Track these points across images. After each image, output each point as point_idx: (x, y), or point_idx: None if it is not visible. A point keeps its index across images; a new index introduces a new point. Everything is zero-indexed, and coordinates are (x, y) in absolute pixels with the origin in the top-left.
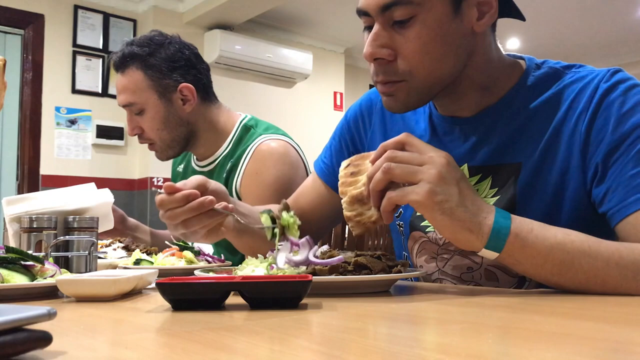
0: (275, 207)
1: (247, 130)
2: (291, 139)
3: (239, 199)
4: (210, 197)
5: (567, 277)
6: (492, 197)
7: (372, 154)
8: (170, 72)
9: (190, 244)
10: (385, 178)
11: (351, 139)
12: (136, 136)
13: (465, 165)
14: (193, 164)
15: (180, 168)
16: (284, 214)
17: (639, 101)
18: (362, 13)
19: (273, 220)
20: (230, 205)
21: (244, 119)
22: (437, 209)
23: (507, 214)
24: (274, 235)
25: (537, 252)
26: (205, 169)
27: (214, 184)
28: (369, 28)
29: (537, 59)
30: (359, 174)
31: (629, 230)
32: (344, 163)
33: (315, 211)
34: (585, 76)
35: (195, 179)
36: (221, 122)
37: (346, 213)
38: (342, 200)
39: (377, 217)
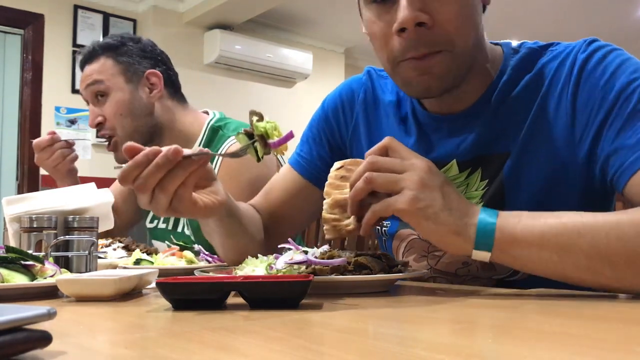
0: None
1: (216, 132)
2: None
3: None
4: (175, 146)
5: (570, 263)
6: (482, 189)
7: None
8: (140, 59)
9: (190, 244)
10: (366, 188)
11: (330, 132)
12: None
13: (454, 161)
14: None
15: None
16: (259, 124)
17: (620, 64)
18: None
19: (250, 135)
20: (205, 149)
21: (211, 120)
22: (421, 215)
23: (494, 212)
24: (257, 151)
25: (529, 243)
26: None
27: (188, 150)
28: (381, 1)
29: (510, 42)
30: (349, 179)
31: (635, 191)
32: (337, 164)
33: (288, 207)
34: (562, 52)
35: (165, 147)
36: (187, 123)
37: (325, 215)
38: (325, 201)
39: (353, 227)
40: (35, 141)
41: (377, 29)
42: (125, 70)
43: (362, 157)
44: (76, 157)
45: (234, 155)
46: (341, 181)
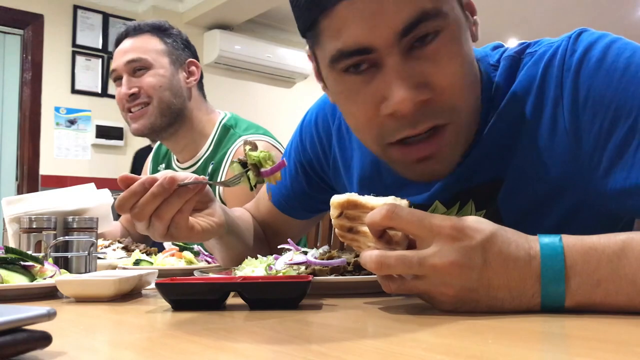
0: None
1: (227, 131)
2: (273, 137)
3: (224, 204)
4: (170, 175)
5: None
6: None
7: (367, 204)
8: (184, 48)
9: (190, 244)
10: (384, 288)
11: (309, 164)
12: (129, 115)
13: (437, 202)
14: (174, 165)
15: (161, 168)
16: (252, 153)
17: (627, 63)
18: (352, 53)
19: (244, 164)
20: (200, 176)
21: (223, 119)
22: (470, 311)
23: (559, 271)
24: (250, 179)
25: (618, 306)
26: (187, 171)
27: (182, 174)
28: (358, 71)
29: (491, 52)
30: (359, 233)
31: None
32: (334, 209)
33: (276, 222)
34: (544, 53)
35: (161, 173)
36: (203, 118)
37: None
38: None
39: None
40: None
41: (355, 108)
42: (170, 52)
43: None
44: None
45: (228, 184)
46: (350, 234)
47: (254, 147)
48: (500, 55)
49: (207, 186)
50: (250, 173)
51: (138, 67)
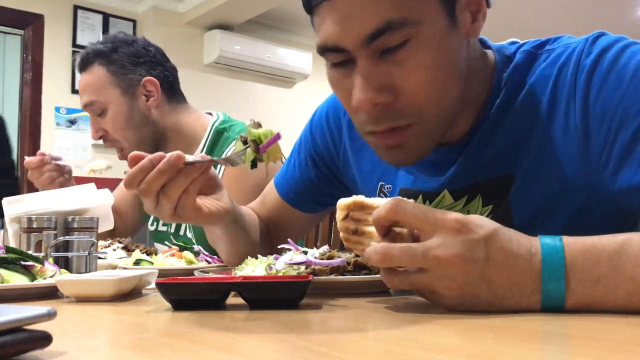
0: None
1: (220, 135)
2: None
3: None
4: (177, 152)
5: None
6: (487, 215)
7: (373, 204)
8: (134, 67)
9: (190, 244)
10: (387, 283)
11: (320, 157)
12: (101, 140)
13: (445, 191)
14: None
15: None
16: (253, 130)
17: (635, 70)
18: (330, 50)
19: (245, 142)
20: (206, 155)
21: (215, 122)
22: (469, 309)
23: (560, 269)
24: (248, 155)
25: (618, 304)
26: None
27: (190, 156)
28: (340, 64)
29: (508, 46)
30: (364, 234)
31: None
32: (340, 212)
33: (283, 217)
34: (561, 53)
35: (170, 153)
36: (190, 124)
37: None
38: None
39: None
40: (25, 161)
41: (339, 94)
42: (119, 81)
43: (356, 189)
44: (66, 181)
45: (233, 163)
46: (354, 236)
47: (257, 125)
48: (516, 49)
49: (216, 173)
50: (249, 150)
51: (97, 112)
